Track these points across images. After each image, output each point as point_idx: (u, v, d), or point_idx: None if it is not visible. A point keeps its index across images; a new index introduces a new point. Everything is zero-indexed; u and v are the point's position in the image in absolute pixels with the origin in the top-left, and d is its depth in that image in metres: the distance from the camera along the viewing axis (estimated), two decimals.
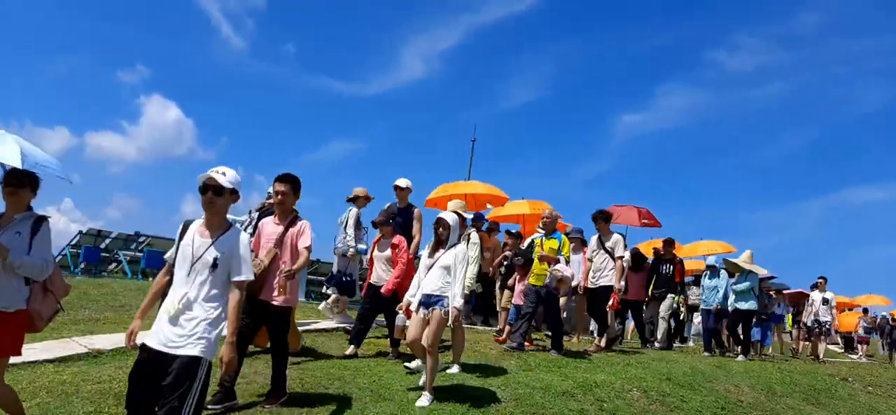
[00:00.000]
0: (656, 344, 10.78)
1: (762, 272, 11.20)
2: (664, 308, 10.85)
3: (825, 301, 13.86)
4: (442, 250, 5.57)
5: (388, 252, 7.08)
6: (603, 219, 9.05)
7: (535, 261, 7.95)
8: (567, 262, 7.98)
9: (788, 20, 64.32)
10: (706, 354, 10.38)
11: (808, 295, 14.76)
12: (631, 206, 12.85)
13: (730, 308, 10.75)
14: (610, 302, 8.67)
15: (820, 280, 14.29)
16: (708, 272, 11.15)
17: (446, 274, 5.42)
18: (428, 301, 5.39)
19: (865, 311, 21.13)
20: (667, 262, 11.07)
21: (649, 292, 11.14)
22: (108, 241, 19.46)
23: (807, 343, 14.61)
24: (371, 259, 7.34)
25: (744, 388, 7.67)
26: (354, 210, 8.87)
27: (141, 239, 19.47)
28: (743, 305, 10.60)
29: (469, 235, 8.19)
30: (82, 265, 18.10)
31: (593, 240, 9.12)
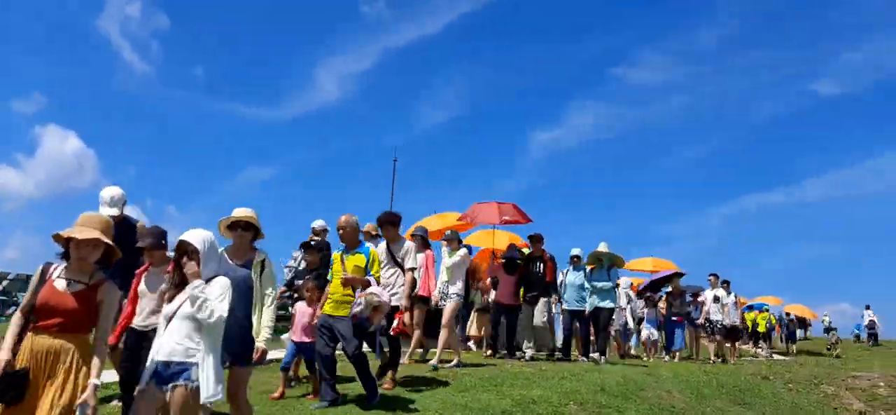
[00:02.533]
0: (527, 354, 9.51)
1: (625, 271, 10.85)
2: (538, 313, 9.68)
3: (716, 299, 13.49)
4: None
5: None
6: (390, 223, 7.15)
7: (334, 284, 5.89)
8: (378, 281, 5.93)
9: (687, 36, 67.97)
10: (597, 355, 9.61)
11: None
12: (492, 202, 11.59)
13: (588, 308, 9.80)
14: (394, 324, 6.54)
15: (711, 278, 13.93)
16: (572, 266, 10.09)
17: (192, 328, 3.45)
18: (165, 372, 3.38)
19: (766, 310, 22.25)
20: (536, 260, 9.82)
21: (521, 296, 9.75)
22: (5, 283, 18.10)
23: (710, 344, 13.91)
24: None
25: (674, 393, 7.79)
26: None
27: None
28: (603, 303, 9.73)
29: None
30: None
31: (381, 248, 7.03)
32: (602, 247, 9.95)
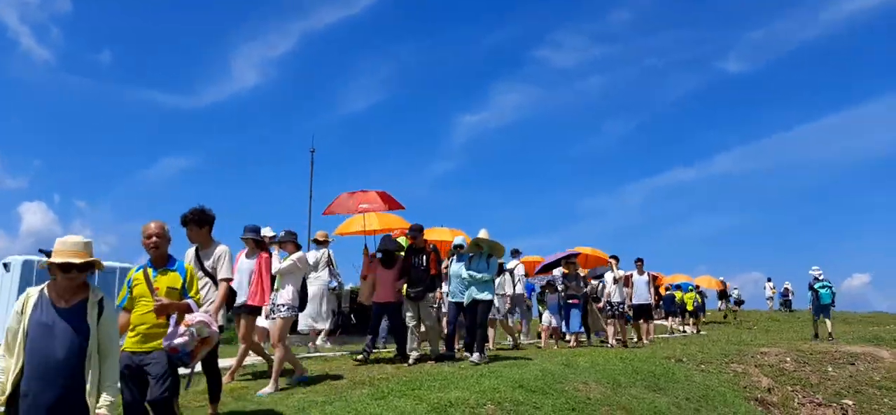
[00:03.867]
0: (411, 357, 8.91)
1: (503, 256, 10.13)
2: (428, 311, 9.08)
3: (615, 280, 13.23)
4: None
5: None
6: (194, 222, 5.85)
7: (137, 312, 4.51)
8: (198, 304, 4.64)
9: (602, 18, 69.81)
10: (475, 356, 8.79)
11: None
12: (369, 191, 10.79)
13: (465, 299, 9.00)
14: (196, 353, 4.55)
15: (611, 260, 13.53)
16: (454, 258, 9.46)
17: None
18: None
19: (692, 289, 23.17)
20: (419, 252, 9.12)
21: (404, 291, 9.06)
22: None
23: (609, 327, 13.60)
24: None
25: (591, 384, 7.86)
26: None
27: None
28: (481, 295, 8.91)
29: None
30: None
31: (188, 256, 5.96)
32: (482, 234, 9.19)
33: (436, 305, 9.23)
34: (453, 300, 9.27)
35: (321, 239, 11.45)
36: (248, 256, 7.78)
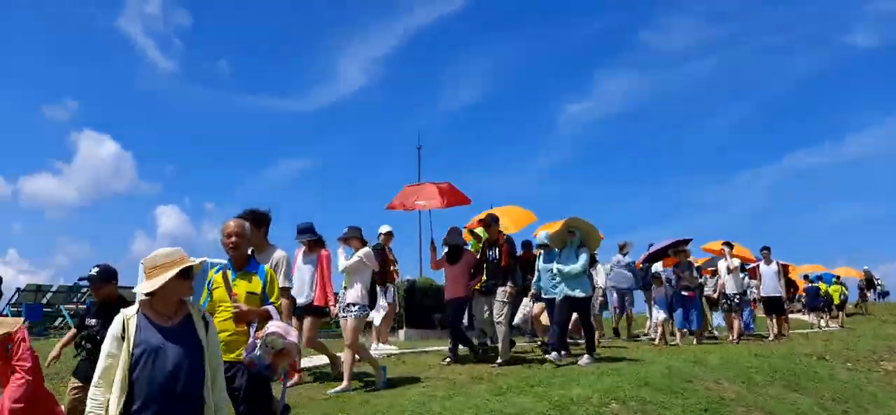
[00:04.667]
0: (484, 347, 8.79)
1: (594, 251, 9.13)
2: (498, 307, 8.25)
3: (729, 270, 12.03)
4: None
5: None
6: (249, 222, 4.72)
7: (218, 316, 4.04)
8: (280, 312, 4.27)
9: None
10: (553, 355, 8.06)
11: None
12: (429, 183, 9.87)
13: (558, 296, 8.37)
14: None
15: (724, 247, 12.31)
16: (543, 253, 8.99)
17: None
18: None
19: (836, 280, 21.29)
20: (492, 245, 8.56)
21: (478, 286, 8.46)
22: (49, 295, 18.47)
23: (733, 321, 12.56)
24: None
25: (723, 383, 7.36)
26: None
27: (83, 289, 18.46)
28: (574, 292, 8.19)
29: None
30: (26, 325, 17.07)
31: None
32: (573, 219, 8.42)
33: (506, 301, 8.26)
34: (546, 297, 9.01)
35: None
36: (305, 256, 7.26)
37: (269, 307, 4.13)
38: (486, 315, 8.47)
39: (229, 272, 4.21)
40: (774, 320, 13.08)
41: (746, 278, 13.70)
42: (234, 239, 4.23)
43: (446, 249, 8.57)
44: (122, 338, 2.92)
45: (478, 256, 8.66)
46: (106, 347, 2.93)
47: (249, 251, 4.53)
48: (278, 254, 5.99)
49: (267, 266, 4.40)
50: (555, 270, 8.41)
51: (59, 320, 18.60)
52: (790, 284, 15.88)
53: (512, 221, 12.04)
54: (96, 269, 5.25)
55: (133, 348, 2.90)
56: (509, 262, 8.35)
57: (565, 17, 65.55)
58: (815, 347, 11.05)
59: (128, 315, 2.99)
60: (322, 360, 7.95)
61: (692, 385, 7.09)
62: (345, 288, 7.07)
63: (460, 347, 8.59)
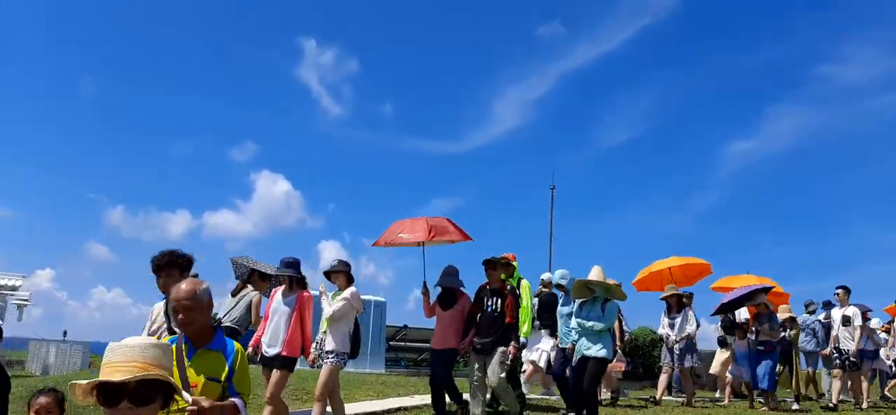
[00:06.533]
0: None
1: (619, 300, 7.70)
2: (493, 366, 6.98)
3: (846, 320, 10.36)
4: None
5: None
6: (172, 265, 4.86)
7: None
8: (246, 399, 2.91)
9: None
10: None
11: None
12: (422, 218, 8.65)
13: (575, 356, 7.27)
14: None
15: (838, 291, 10.75)
16: (562, 295, 8.27)
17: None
18: None
19: None
20: (493, 294, 7.27)
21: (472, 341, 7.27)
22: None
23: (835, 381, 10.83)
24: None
25: None
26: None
27: None
28: (592, 351, 7.00)
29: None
30: None
31: (158, 309, 5.34)
32: (594, 273, 7.26)
33: (508, 362, 7.16)
34: (561, 346, 8.18)
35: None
36: (284, 297, 6.20)
37: (235, 401, 2.88)
38: (476, 378, 7.18)
39: (184, 347, 2.94)
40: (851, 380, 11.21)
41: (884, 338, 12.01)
42: (181, 316, 2.96)
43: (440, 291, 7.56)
44: None
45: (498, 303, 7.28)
46: None
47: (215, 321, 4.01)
48: (252, 294, 6.42)
49: (235, 342, 3.12)
50: (574, 324, 7.46)
51: None
52: None
53: (684, 275, 12.02)
54: None
55: None
56: (513, 317, 7.15)
57: (731, 52, 62.27)
58: None
59: None
60: None
61: None
62: (324, 333, 6.42)
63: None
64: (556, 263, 22.77)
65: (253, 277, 6.72)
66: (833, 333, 10.84)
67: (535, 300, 8.79)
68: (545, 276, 9.43)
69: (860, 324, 10.51)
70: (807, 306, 11.89)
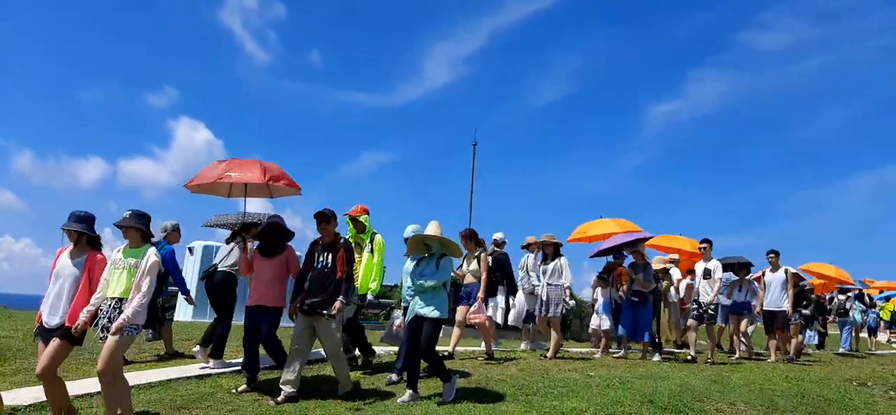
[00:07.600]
0: (285, 390, 6.11)
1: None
2: (325, 330, 6.41)
3: (707, 273, 10.53)
4: None
5: None
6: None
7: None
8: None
9: None
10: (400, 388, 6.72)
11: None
12: (247, 160, 7.98)
13: (410, 312, 6.73)
14: None
15: (703, 245, 10.91)
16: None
17: None
18: None
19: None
20: (325, 248, 6.65)
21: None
22: None
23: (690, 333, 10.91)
24: None
25: (740, 406, 6.86)
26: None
27: None
28: (426, 311, 6.34)
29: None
30: None
31: None
32: (431, 227, 6.69)
33: (340, 320, 6.70)
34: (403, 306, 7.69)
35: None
36: (71, 257, 5.22)
37: None
38: (297, 345, 6.36)
39: None
40: (775, 340, 11.60)
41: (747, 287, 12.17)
42: None
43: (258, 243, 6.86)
44: None
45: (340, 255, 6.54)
46: None
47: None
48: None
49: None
50: (409, 284, 7.06)
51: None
52: (801, 298, 13.73)
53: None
54: None
55: None
56: (345, 271, 6.46)
57: (659, 16, 64.05)
58: (859, 372, 10.28)
59: None
60: None
61: (702, 405, 6.63)
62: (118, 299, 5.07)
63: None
64: (479, 220, 22.66)
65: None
66: (695, 286, 10.94)
67: (490, 259, 8.99)
68: (497, 235, 10.50)
69: (719, 277, 10.64)
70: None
